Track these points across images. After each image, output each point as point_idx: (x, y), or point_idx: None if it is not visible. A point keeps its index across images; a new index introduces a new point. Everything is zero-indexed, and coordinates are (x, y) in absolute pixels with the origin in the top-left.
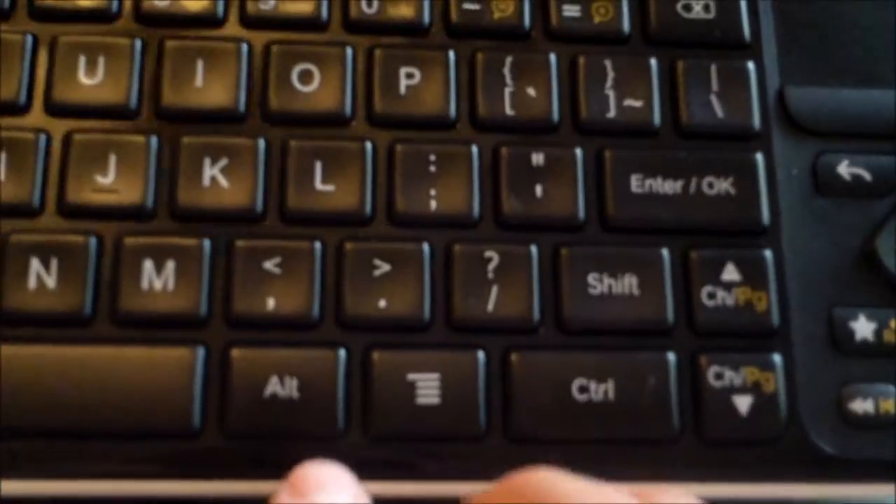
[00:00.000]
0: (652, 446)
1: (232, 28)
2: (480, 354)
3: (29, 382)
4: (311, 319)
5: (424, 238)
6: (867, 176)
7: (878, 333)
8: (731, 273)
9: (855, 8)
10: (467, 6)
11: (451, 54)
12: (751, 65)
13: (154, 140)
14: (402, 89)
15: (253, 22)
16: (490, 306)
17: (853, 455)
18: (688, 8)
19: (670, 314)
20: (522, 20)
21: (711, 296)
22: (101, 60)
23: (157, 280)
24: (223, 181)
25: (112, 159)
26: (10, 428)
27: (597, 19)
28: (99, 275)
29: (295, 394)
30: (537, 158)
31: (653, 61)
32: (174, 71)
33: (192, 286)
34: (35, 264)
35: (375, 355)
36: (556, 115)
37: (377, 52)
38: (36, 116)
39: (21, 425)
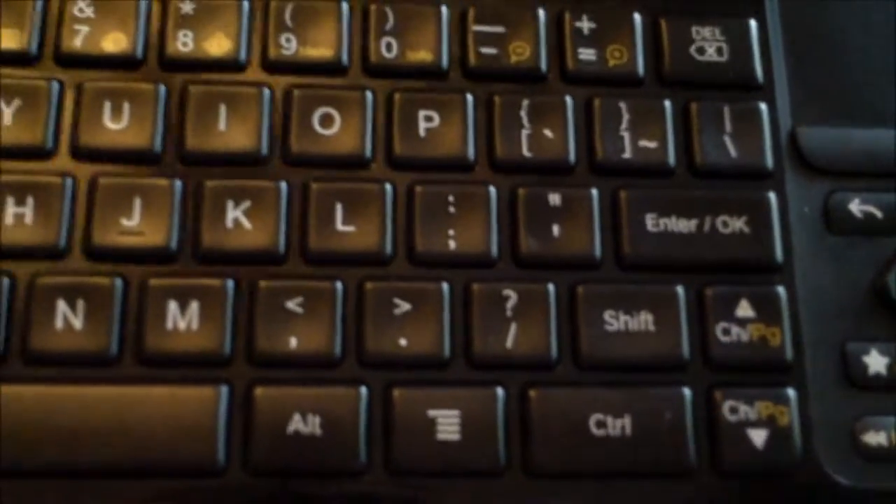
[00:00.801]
0: (669, 480)
1: (254, 73)
2: (499, 391)
3: (56, 422)
4: (332, 358)
5: (444, 277)
6: (878, 214)
7: (890, 367)
8: (745, 309)
9: (866, 49)
10: (484, 50)
11: (469, 97)
12: (763, 106)
13: (178, 183)
14: (422, 132)
15: (274, 66)
16: (509, 344)
17: (868, 486)
18: (701, 51)
19: (686, 350)
20: (539, 63)
21: (726, 332)
22: (125, 106)
23: (181, 320)
24: (246, 223)
25: (137, 202)
26: (38, 467)
27: (612, 62)
28: (124, 315)
29: (317, 430)
30: (554, 199)
31: (667, 103)
32: (197, 115)
33: (216, 326)
34: (62, 305)
35: (396, 392)
36: (572, 157)
37: (396, 96)
38: (62, 161)
39: (49, 464)
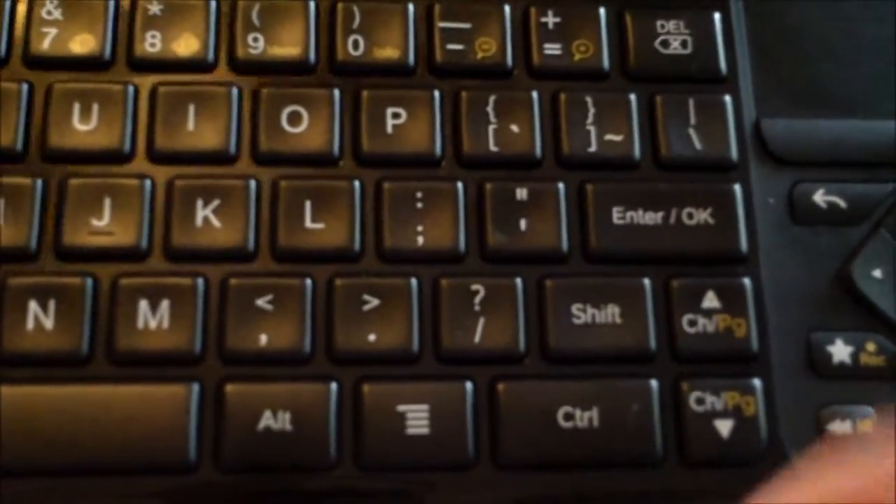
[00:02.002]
0: (636, 470)
1: (222, 73)
2: (468, 385)
3: (27, 422)
4: (302, 354)
5: (412, 273)
6: (842, 204)
7: (854, 356)
8: (711, 300)
9: (829, 40)
10: (451, 46)
11: (436, 94)
12: (727, 98)
13: (147, 183)
14: (389, 129)
15: (242, 66)
16: (477, 338)
17: None
18: (665, 44)
19: (652, 342)
20: (505, 59)
21: (692, 323)
22: (95, 106)
23: (152, 319)
24: (216, 221)
25: (107, 202)
26: (9, 467)
27: (577, 57)
28: (95, 315)
29: (288, 427)
30: (521, 193)
31: (632, 96)
32: (166, 115)
33: (187, 324)
34: (33, 306)
35: (366, 388)
36: (538, 151)
37: (364, 94)
38: (33, 163)
39: (20, 464)
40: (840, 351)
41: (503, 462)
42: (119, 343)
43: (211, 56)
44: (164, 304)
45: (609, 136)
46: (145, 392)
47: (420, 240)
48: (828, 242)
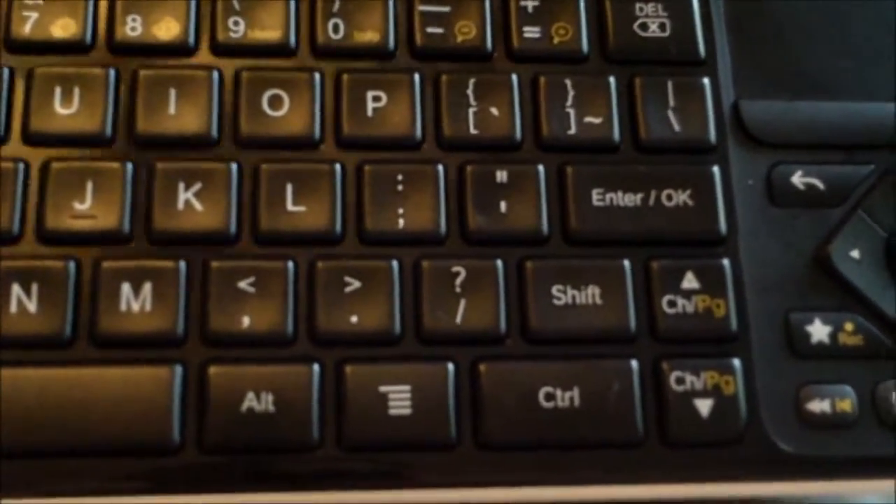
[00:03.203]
0: (618, 450)
1: (203, 56)
2: (450, 366)
3: (11, 404)
4: (285, 336)
5: (393, 255)
6: (821, 185)
7: (833, 336)
8: (690, 281)
9: (808, 23)
10: (431, 30)
11: (417, 77)
12: (706, 80)
13: (129, 166)
14: (370, 112)
15: (223, 50)
16: (458, 319)
17: (812, 453)
18: (644, 27)
19: (632, 322)
20: (485, 42)
21: (672, 304)
22: (76, 90)
23: (134, 302)
24: (197, 205)
25: (89, 186)
26: None
27: (556, 40)
28: (78, 298)
29: (271, 408)
30: (501, 175)
31: (611, 79)
32: (147, 99)
33: (169, 307)
34: (16, 289)
35: (348, 369)
36: (518, 134)
37: (344, 77)
38: (14, 146)
39: (5, 445)
40: (818, 331)
41: (485, 442)
42: (102, 326)
43: (192, 40)
44: (147, 287)
45: (588, 119)
46: (129, 374)
47: (401, 222)
48: (806, 224)
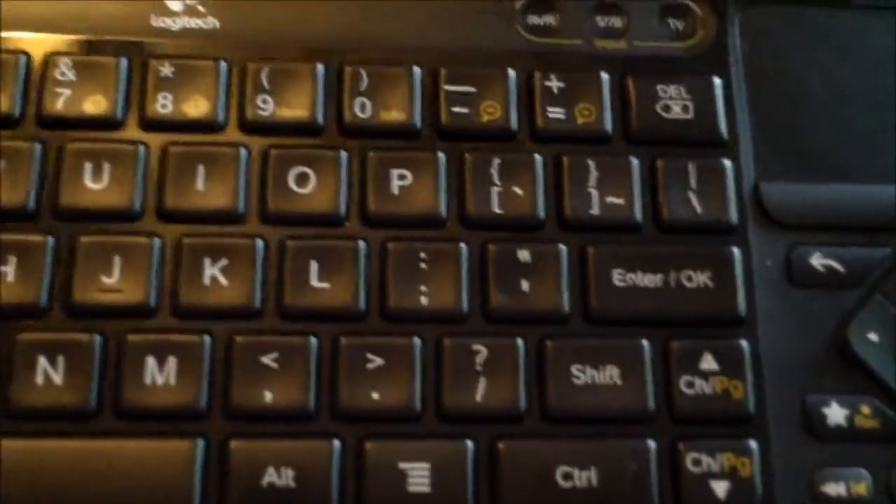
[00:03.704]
0: None
1: (231, 133)
2: (469, 443)
3: (35, 475)
4: (307, 411)
5: (415, 332)
6: (839, 267)
7: (849, 419)
8: (708, 362)
9: (826, 107)
10: (456, 109)
11: (441, 156)
12: (727, 162)
13: (157, 241)
14: (395, 190)
15: (251, 127)
16: (478, 397)
17: None
18: (667, 109)
19: (651, 403)
20: (509, 122)
21: (690, 385)
22: (106, 166)
23: (159, 375)
24: (223, 280)
25: (116, 260)
26: None
27: (580, 120)
28: (104, 371)
29: (291, 483)
30: (523, 255)
31: (633, 160)
32: (176, 175)
33: (193, 381)
34: (42, 362)
35: (368, 445)
36: (541, 213)
37: (370, 155)
38: (45, 221)
39: None
40: (835, 413)
41: None
42: (126, 398)
43: (221, 117)
44: (171, 361)
45: (611, 199)
46: (151, 447)
47: (424, 300)
48: (824, 305)
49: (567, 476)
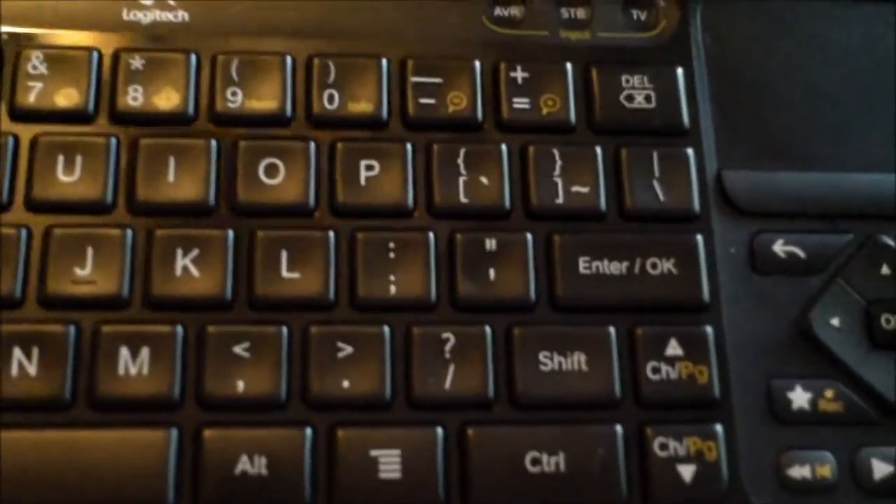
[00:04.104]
0: None
1: (201, 125)
2: (439, 430)
3: (10, 466)
4: (278, 400)
5: (385, 321)
6: (801, 254)
7: (813, 403)
8: (674, 348)
9: (789, 95)
10: (423, 100)
11: (409, 146)
12: (690, 150)
13: (129, 233)
14: (363, 180)
15: (221, 119)
16: (447, 384)
17: None
18: (630, 98)
19: (617, 389)
20: (475, 113)
21: (656, 370)
22: (78, 159)
23: (132, 366)
24: (194, 271)
25: (90, 252)
26: None
27: (545, 111)
28: (78, 362)
29: (264, 471)
30: (490, 243)
31: (598, 149)
32: (148, 167)
33: (166, 371)
34: (17, 353)
35: (340, 433)
36: (507, 202)
37: (339, 146)
38: (17, 213)
39: None
40: (799, 397)
41: None
42: (100, 389)
43: (191, 109)
44: (145, 351)
45: (576, 188)
46: (125, 437)
47: (392, 289)
48: (787, 291)
49: (536, 461)
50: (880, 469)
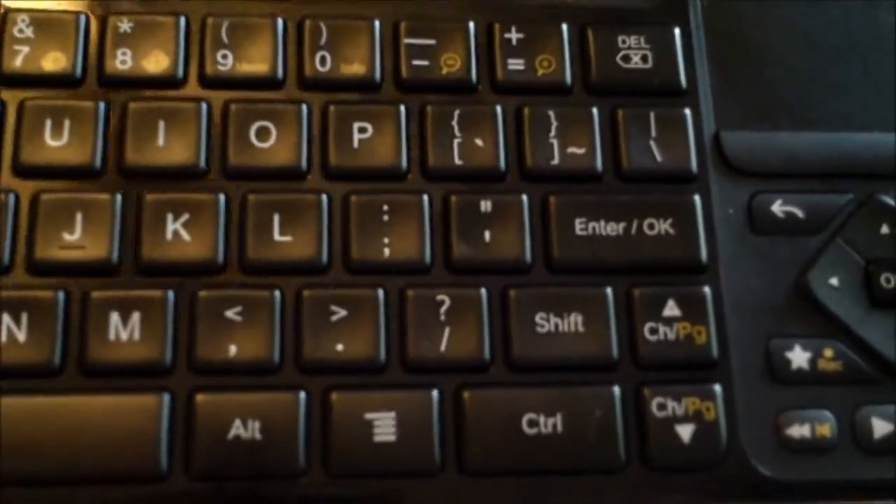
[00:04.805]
0: (600, 475)
1: (191, 89)
2: (434, 393)
3: (1, 432)
4: (271, 364)
5: (379, 284)
6: (800, 214)
7: (812, 362)
8: (671, 309)
9: (787, 54)
10: (417, 62)
11: (402, 108)
12: (687, 111)
13: (118, 197)
14: (356, 143)
15: (211, 82)
16: (443, 347)
17: (791, 477)
18: (626, 59)
19: (615, 350)
20: (469, 74)
21: (653, 331)
22: (66, 123)
23: (123, 331)
24: (185, 235)
25: (78, 217)
26: None
27: (540, 72)
28: (67, 328)
29: (258, 436)
30: (485, 205)
31: (594, 110)
32: (136, 131)
33: (157, 336)
34: (6, 319)
35: (334, 396)
36: (502, 164)
37: (331, 109)
38: (4, 178)
39: None
40: (798, 357)
41: (469, 468)
42: (90, 355)
43: (181, 72)
44: (135, 317)
45: (571, 150)
46: (117, 402)
47: (386, 251)
48: (786, 251)
49: (532, 423)
50: (880, 428)
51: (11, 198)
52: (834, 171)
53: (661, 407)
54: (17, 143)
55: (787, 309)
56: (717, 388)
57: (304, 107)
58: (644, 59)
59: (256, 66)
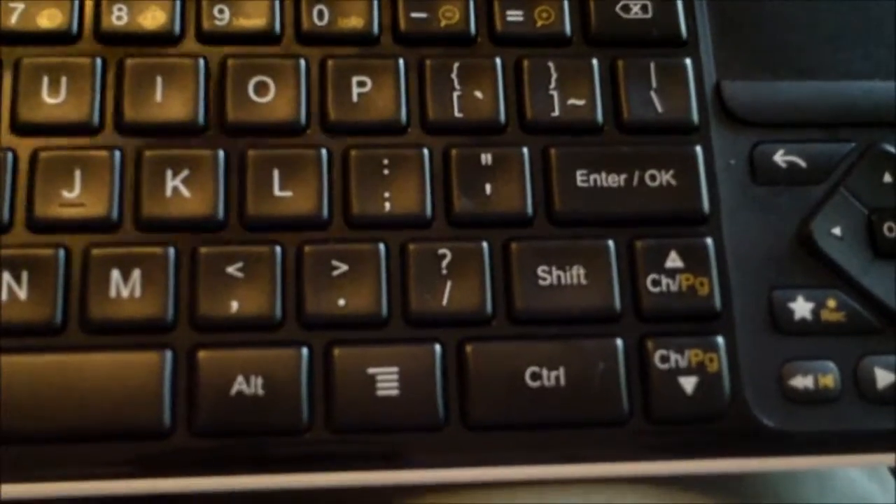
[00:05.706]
0: (603, 428)
1: (189, 44)
2: (437, 347)
3: (3, 390)
4: (273, 320)
5: (380, 238)
6: (802, 163)
7: (815, 313)
8: (674, 260)
9: (787, 4)
10: (415, 15)
11: (401, 62)
12: (688, 61)
13: (117, 154)
14: (355, 97)
15: (209, 38)
16: (445, 301)
17: (795, 428)
18: (626, 9)
19: (617, 302)
20: (468, 26)
21: (656, 283)
22: (63, 80)
23: (124, 288)
24: (185, 191)
25: (77, 174)
26: None
27: (539, 23)
28: (68, 285)
29: (260, 391)
30: (486, 158)
31: (594, 61)
32: (134, 88)
33: (159, 293)
34: (6, 277)
35: (336, 351)
36: (502, 116)
37: (329, 63)
38: (3, 136)
39: None
40: (801, 308)
41: (472, 422)
42: (92, 312)
43: (177, 28)
44: (136, 273)
45: (572, 101)
46: (119, 360)
47: (387, 206)
48: (788, 202)
49: (535, 376)
50: (883, 378)
51: (10, 156)
52: (836, 121)
53: (664, 359)
54: (15, 101)
55: (790, 259)
56: (720, 339)
57: (303, 61)
58: (644, 9)
59: (254, 20)
